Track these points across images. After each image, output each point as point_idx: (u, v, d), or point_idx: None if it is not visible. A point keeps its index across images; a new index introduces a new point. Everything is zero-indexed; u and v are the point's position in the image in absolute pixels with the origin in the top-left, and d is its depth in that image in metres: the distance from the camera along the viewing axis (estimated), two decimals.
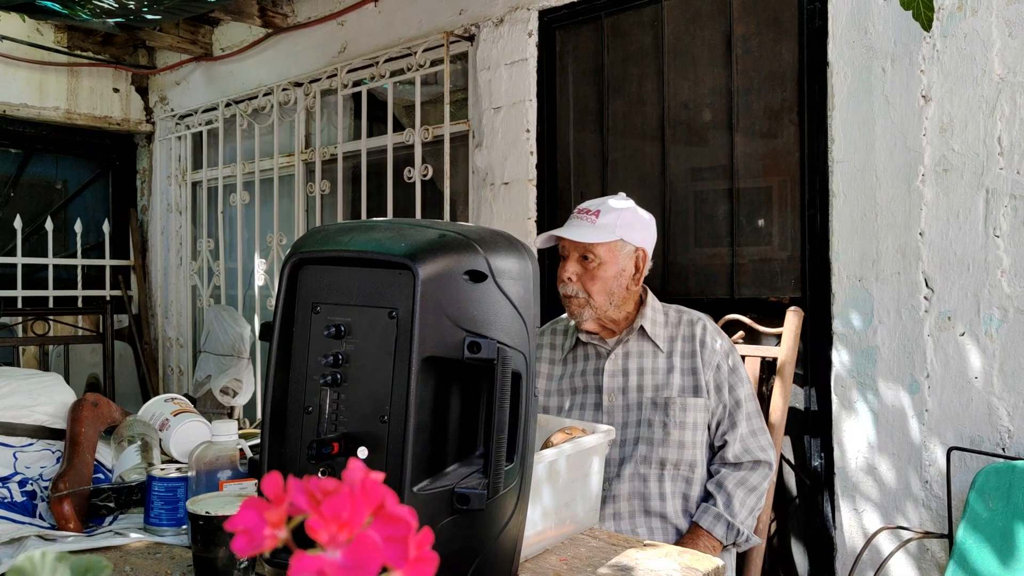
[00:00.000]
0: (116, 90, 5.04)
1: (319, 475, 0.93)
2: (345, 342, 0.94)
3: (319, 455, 0.90)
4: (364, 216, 3.65)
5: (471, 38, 3.33)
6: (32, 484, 1.39)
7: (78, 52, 4.80)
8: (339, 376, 0.94)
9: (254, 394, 4.02)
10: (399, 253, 0.90)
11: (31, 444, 1.46)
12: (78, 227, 4.75)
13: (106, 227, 4.92)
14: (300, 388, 0.96)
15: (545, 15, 3.11)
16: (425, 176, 3.42)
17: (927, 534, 2.16)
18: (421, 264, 0.89)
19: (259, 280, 4.23)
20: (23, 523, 1.32)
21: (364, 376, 0.93)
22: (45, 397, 1.50)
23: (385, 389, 0.91)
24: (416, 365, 0.89)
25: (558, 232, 2.01)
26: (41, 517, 1.35)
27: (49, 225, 4.63)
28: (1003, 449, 2.06)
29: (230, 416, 3.74)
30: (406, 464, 0.88)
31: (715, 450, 1.99)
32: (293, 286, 0.97)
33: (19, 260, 4.54)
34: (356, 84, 3.78)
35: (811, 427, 2.44)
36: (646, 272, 2.06)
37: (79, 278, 4.87)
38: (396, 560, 0.34)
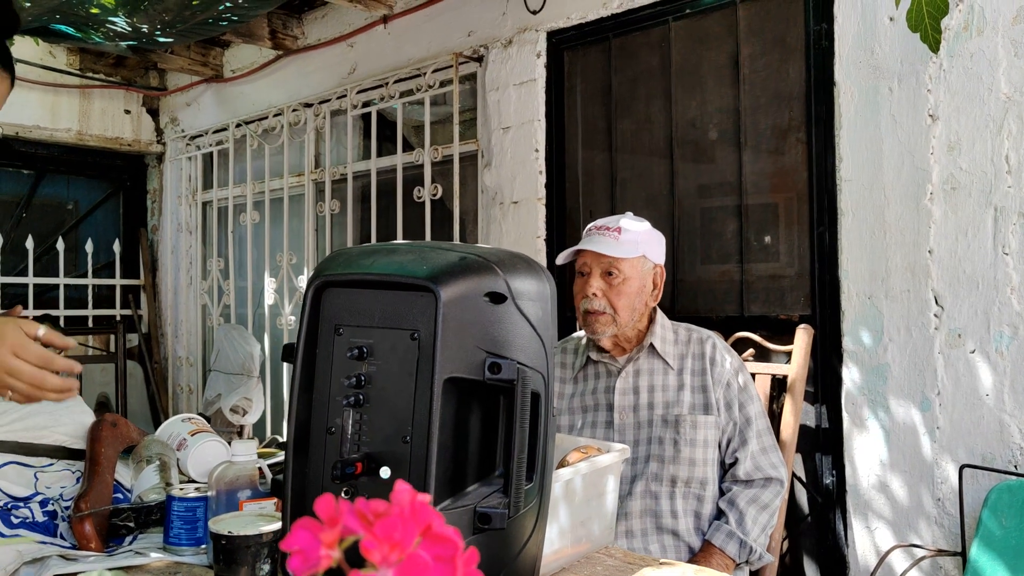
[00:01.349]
0: (127, 111, 5.09)
1: (343, 495, 0.95)
2: (367, 363, 0.96)
3: (343, 475, 0.91)
4: (375, 236, 3.68)
5: (480, 59, 3.37)
6: (53, 504, 1.40)
7: (90, 74, 4.86)
8: (361, 397, 0.95)
9: (263, 412, 4.03)
10: (421, 276, 0.92)
11: (51, 464, 1.47)
12: (89, 247, 4.79)
13: (117, 247, 4.96)
14: (323, 409, 0.97)
15: (553, 36, 3.15)
16: (435, 196, 3.44)
17: (940, 552, 2.15)
18: (443, 286, 0.90)
19: (268, 299, 4.26)
20: (45, 543, 1.33)
21: (386, 397, 0.95)
22: (66, 417, 1.51)
23: (407, 410, 0.93)
24: (438, 386, 0.90)
25: (585, 246, 2.02)
26: (62, 537, 1.37)
27: (60, 245, 4.67)
28: (1015, 466, 2.06)
29: (240, 434, 3.75)
30: (429, 484, 0.89)
31: (726, 468, 2.00)
32: (317, 308, 0.99)
33: (31, 280, 4.57)
34: (366, 105, 3.81)
35: (822, 445, 2.44)
36: (662, 289, 2.08)
37: (90, 297, 4.91)
38: None
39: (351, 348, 0.95)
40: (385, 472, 0.93)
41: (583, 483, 1.35)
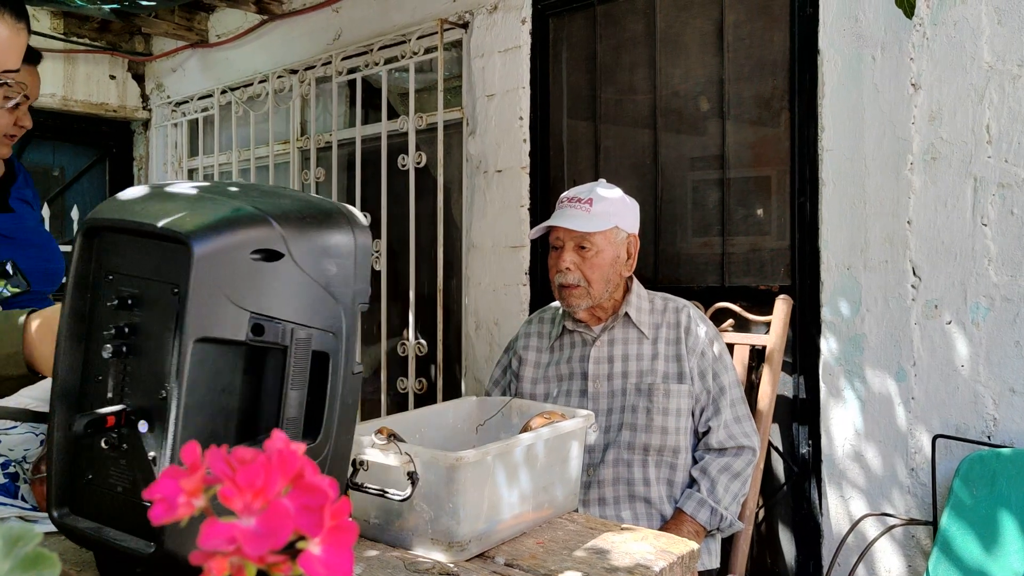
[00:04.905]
0: (112, 77, 5.03)
1: (103, 445, 0.92)
2: (132, 314, 0.92)
3: (92, 426, 0.88)
4: (359, 204, 3.65)
5: (465, 25, 3.33)
6: (15, 466, 1.40)
7: (74, 39, 4.80)
8: (125, 348, 0.92)
9: None
10: (178, 230, 0.87)
11: (15, 427, 1.47)
12: (75, 214, 4.76)
13: None
14: (94, 358, 0.94)
15: (538, 3, 3.11)
16: (419, 164, 3.42)
17: (912, 521, 2.17)
18: (198, 242, 0.85)
19: None
20: (5, 504, 1.33)
21: (149, 350, 0.91)
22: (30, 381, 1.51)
23: (167, 366, 0.89)
24: (188, 346, 0.86)
25: (556, 222, 2.01)
26: (23, 499, 1.37)
27: (46, 211, 4.63)
28: (988, 437, 2.07)
29: None
30: (176, 443, 0.87)
31: (700, 436, 2.00)
32: (88, 253, 0.95)
33: None
34: (351, 71, 3.77)
35: (799, 414, 2.45)
36: (636, 257, 2.07)
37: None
38: (311, 528, 0.34)
39: (118, 297, 0.92)
40: (143, 426, 0.90)
41: (545, 448, 1.35)
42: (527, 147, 3.13)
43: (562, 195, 2.08)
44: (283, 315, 0.91)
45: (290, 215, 0.94)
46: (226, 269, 0.87)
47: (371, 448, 1.25)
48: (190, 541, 0.77)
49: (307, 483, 0.35)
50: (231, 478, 0.34)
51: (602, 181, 2.11)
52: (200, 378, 0.88)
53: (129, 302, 0.92)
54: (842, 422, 2.33)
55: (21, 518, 1.26)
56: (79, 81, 4.87)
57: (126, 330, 0.92)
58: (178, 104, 4.87)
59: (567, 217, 1.99)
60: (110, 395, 0.94)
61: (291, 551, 0.35)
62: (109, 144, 5.26)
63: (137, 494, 0.92)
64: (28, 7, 4.07)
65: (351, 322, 0.99)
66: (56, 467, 0.97)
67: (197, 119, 4.70)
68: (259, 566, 0.34)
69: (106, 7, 3.87)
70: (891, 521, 2.19)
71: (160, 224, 0.88)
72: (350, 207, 1.04)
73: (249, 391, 0.95)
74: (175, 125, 4.92)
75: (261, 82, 4.18)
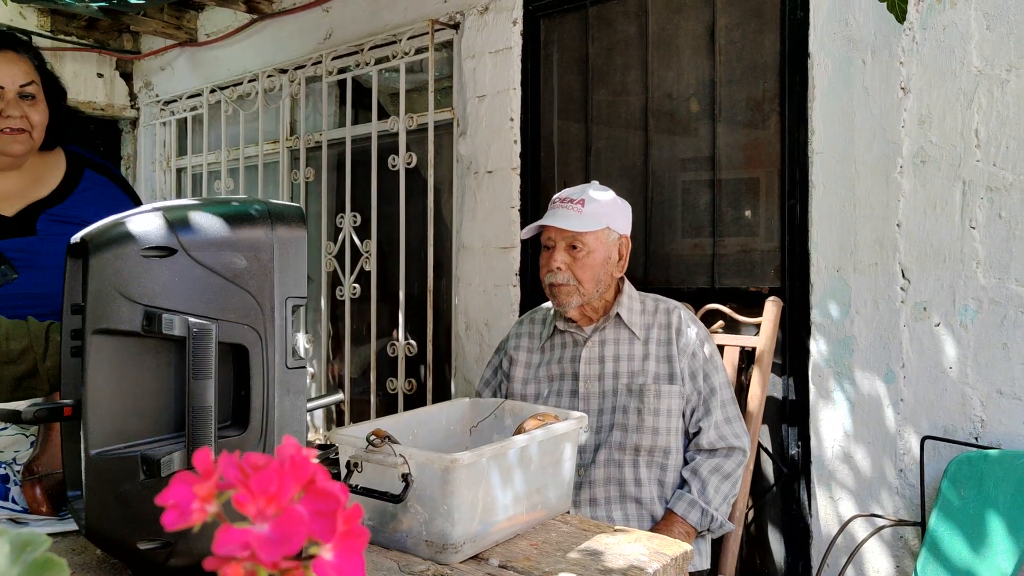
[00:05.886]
0: (100, 75, 5.00)
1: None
2: (78, 318, 1.02)
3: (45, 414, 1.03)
4: (348, 205, 3.65)
5: (456, 26, 3.33)
6: (5, 468, 1.39)
7: (62, 36, 4.76)
8: (72, 349, 1.06)
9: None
10: (79, 240, 1.01)
11: (5, 428, 1.46)
12: None
13: None
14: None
15: (530, 3, 3.11)
16: (409, 164, 3.41)
17: (900, 522, 2.18)
18: (93, 248, 0.96)
19: None
20: None
21: (78, 349, 1.02)
22: None
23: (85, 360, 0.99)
24: (87, 338, 0.96)
25: (548, 222, 2.01)
26: (14, 501, 1.36)
27: None
28: (976, 439, 2.09)
29: None
30: (86, 430, 0.96)
31: (690, 437, 2.01)
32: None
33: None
34: (341, 71, 3.76)
35: (789, 416, 2.46)
36: (628, 258, 2.07)
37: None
38: (323, 534, 0.34)
39: (72, 304, 1.06)
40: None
41: (539, 450, 1.35)
42: (518, 148, 3.14)
43: (554, 196, 2.08)
44: (179, 307, 0.96)
45: (186, 214, 1.00)
46: (118, 268, 0.96)
47: (364, 450, 1.25)
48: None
49: (319, 489, 0.35)
50: (244, 484, 0.34)
51: (595, 183, 2.11)
52: (98, 368, 0.96)
53: (73, 309, 1.04)
54: (831, 423, 2.34)
55: (12, 520, 1.25)
56: (67, 79, 4.77)
57: (72, 334, 1.05)
58: (167, 103, 4.85)
59: (559, 217, 2.00)
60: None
61: (303, 556, 0.35)
62: (97, 143, 5.22)
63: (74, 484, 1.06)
64: (16, 2, 3.99)
65: (278, 315, 1.02)
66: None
67: (186, 118, 4.67)
68: (273, 571, 0.34)
69: (94, 5, 3.84)
70: (880, 522, 2.20)
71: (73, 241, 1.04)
72: (285, 203, 1.07)
73: (159, 382, 1.00)
74: (164, 124, 4.90)
75: (251, 81, 4.17)
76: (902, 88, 2.22)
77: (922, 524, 2.11)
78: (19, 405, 1.07)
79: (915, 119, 2.20)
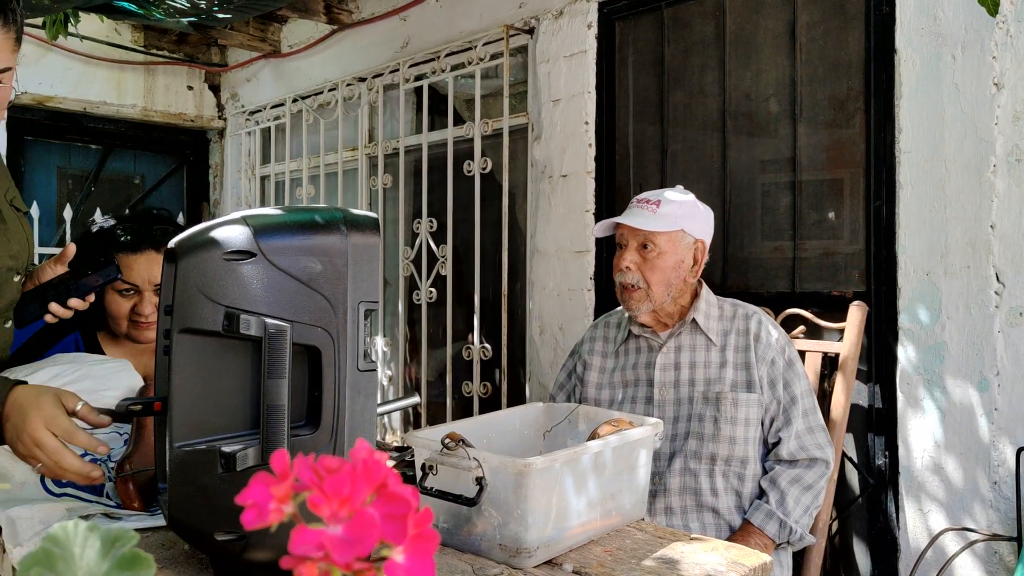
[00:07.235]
0: (190, 88, 5.20)
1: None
2: (168, 319, 1.07)
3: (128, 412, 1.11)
4: (425, 211, 3.69)
5: (531, 31, 3.34)
6: (100, 465, 1.45)
7: (154, 51, 4.98)
8: (164, 348, 1.09)
9: None
10: (172, 247, 1.07)
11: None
12: None
13: (181, 220, 5.09)
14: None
15: (604, 6, 3.10)
16: (484, 169, 3.44)
17: (995, 536, 2.08)
18: (182, 252, 1.03)
19: None
20: (90, 501, 1.39)
21: (168, 347, 1.07)
22: (114, 382, 1.56)
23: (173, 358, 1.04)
24: (174, 337, 1.02)
25: (618, 219, 2.00)
26: (108, 496, 1.42)
27: None
28: None
29: None
30: (170, 425, 1.01)
31: (770, 447, 1.96)
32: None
33: None
34: (418, 79, 3.82)
35: (875, 425, 2.38)
36: (704, 265, 2.04)
37: None
38: (395, 536, 0.35)
39: (165, 305, 1.10)
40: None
41: (613, 456, 1.34)
42: (592, 152, 3.12)
43: (634, 197, 2.07)
44: (257, 309, 1.00)
45: (266, 221, 1.04)
46: (201, 271, 1.01)
47: (439, 452, 1.26)
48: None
49: (391, 492, 0.36)
50: (319, 486, 0.35)
51: (679, 187, 2.08)
52: (183, 366, 1.02)
53: (166, 310, 1.08)
54: (921, 433, 2.25)
55: (106, 515, 1.30)
56: (159, 92, 5.04)
57: (164, 334, 1.08)
58: (251, 113, 5.01)
59: (632, 215, 1.98)
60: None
61: (375, 559, 0.36)
62: (187, 152, 5.44)
63: (163, 476, 1.09)
64: (111, 20, 4.16)
65: (351, 319, 1.05)
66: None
67: (269, 127, 4.82)
68: (346, 572, 0.34)
69: (184, 20, 4.00)
70: (972, 536, 2.11)
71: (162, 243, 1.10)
72: (360, 212, 1.10)
73: (238, 381, 1.04)
74: (248, 133, 5.06)
75: (331, 90, 4.27)
76: (995, 84, 2.12)
77: (1018, 539, 2.01)
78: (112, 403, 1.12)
79: (1009, 116, 2.10)
